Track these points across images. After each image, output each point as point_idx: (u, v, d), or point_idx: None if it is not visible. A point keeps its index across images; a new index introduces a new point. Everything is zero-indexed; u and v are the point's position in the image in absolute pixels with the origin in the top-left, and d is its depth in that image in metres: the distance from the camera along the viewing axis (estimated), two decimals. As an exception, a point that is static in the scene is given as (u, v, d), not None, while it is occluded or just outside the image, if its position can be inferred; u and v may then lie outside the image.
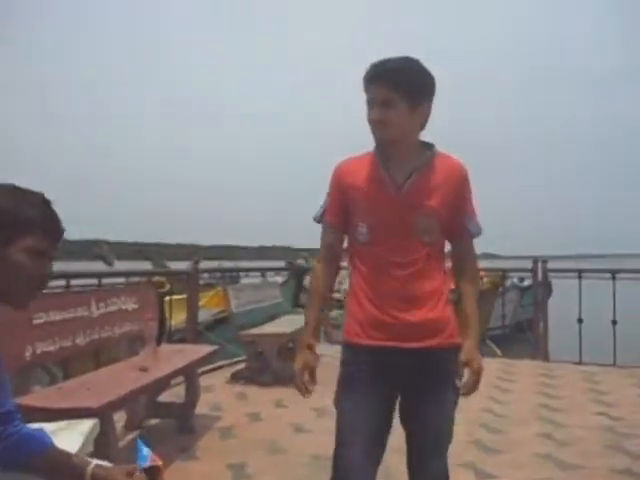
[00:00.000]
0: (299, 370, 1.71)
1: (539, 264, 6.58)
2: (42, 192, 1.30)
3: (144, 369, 3.11)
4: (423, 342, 1.64)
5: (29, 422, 2.26)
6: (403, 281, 1.64)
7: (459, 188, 1.71)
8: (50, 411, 2.29)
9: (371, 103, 1.63)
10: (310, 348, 1.74)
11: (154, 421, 3.77)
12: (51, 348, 2.79)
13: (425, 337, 1.65)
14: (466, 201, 1.73)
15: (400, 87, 1.58)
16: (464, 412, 4.08)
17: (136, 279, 5.12)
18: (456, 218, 1.71)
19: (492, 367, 5.87)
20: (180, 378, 3.78)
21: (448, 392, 1.69)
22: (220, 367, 5.59)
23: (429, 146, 1.73)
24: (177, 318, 6.29)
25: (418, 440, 1.71)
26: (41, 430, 1.44)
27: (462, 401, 4.02)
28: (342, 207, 1.74)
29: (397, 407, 1.75)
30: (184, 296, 6.13)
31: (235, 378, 5.15)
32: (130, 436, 3.57)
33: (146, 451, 1.50)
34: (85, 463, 1.37)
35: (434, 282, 1.67)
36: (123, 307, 3.53)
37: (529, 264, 6.79)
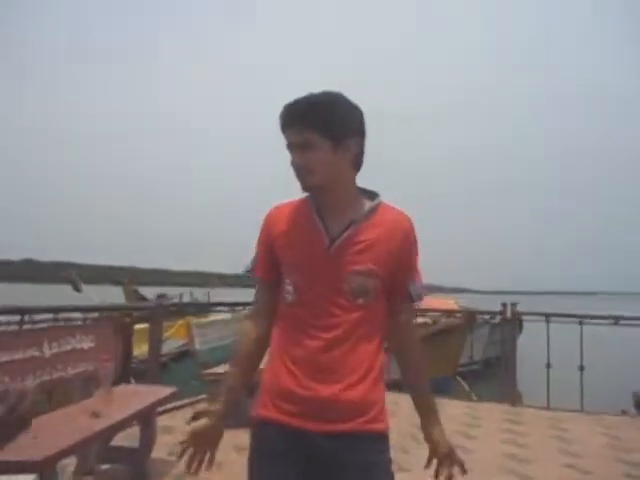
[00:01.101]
0: (185, 441, 1.48)
1: (508, 306, 6.59)
2: None
3: (96, 414, 2.95)
4: (335, 424, 1.41)
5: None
6: (322, 347, 1.42)
7: (403, 245, 1.49)
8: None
9: (290, 148, 1.46)
10: (211, 415, 1.49)
11: (106, 466, 3.58)
12: (-4, 391, 2.63)
13: (339, 419, 1.41)
14: (410, 260, 1.52)
15: (317, 126, 1.41)
16: (423, 462, 4.03)
17: (95, 314, 4.93)
18: (399, 278, 1.50)
19: (458, 411, 5.82)
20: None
21: None
22: (182, 407, 5.39)
23: (372, 195, 1.54)
24: (142, 348, 6.09)
25: None
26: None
27: (421, 449, 3.94)
28: (272, 260, 1.54)
29: None
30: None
31: (196, 419, 4.95)
32: (79, 483, 3.38)
33: None
34: None
35: (362, 353, 1.44)
36: (78, 346, 3.39)
37: (499, 299, 6.83)
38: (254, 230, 1.62)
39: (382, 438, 1.46)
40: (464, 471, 1.52)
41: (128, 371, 6.26)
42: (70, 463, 3.49)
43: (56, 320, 4.05)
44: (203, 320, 6.29)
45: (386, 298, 1.52)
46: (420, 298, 1.55)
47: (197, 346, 5.01)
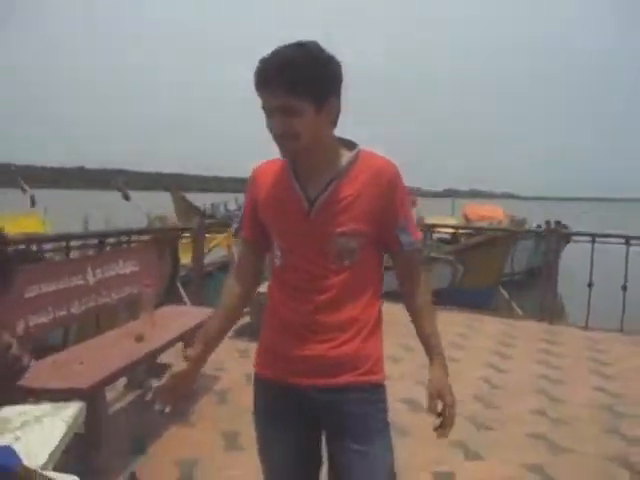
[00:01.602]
0: (161, 384, 1.50)
1: (552, 224, 6.45)
2: None
3: (140, 338, 3.13)
4: (329, 379, 1.42)
5: (22, 401, 2.30)
6: (312, 310, 1.41)
7: (387, 194, 1.40)
8: (40, 392, 2.32)
9: (269, 112, 1.34)
10: (187, 361, 1.50)
11: (154, 381, 3.82)
12: (44, 320, 2.81)
13: (337, 373, 1.42)
14: (397, 209, 1.43)
15: (300, 88, 1.28)
16: (462, 381, 4.13)
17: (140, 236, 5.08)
18: (387, 230, 1.43)
19: (495, 329, 5.89)
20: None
21: (375, 445, 1.42)
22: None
23: (349, 145, 1.44)
24: (189, 258, 6.37)
25: None
26: (10, 450, 1.44)
27: (461, 368, 4.07)
28: (257, 221, 1.51)
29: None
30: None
31: (239, 333, 5.20)
32: (132, 396, 3.66)
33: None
34: None
35: (353, 311, 1.42)
36: (121, 271, 3.52)
37: (548, 205, 6.69)
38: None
39: (378, 389, 1.46)
40: (440, 432, 1.45)
41: (175, 284, 6.61)
42: (121, 378, 3.78)
43: (101, 244, 4.23)
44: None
45: (378, 250, 1.48)
46: (412, 246, 1.47)
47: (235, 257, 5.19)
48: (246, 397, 3.60)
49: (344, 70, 1.36)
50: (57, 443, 1.87)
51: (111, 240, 4.40)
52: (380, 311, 1.50)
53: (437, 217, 17.22)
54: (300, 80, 1.28)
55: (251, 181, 1.52)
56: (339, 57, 1.36)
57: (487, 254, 8.55)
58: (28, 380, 2.43)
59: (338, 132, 1.45)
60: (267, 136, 1.38)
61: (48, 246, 4.00)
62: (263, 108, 1.35)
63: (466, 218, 21.19)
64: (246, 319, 5.44)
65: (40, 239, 4.36)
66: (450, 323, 6.10)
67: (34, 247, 4.09)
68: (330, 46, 1.35)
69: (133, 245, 4.46)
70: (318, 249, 1.40)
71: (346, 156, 1.41)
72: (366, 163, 1.41)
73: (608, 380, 4.28)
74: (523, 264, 13.29)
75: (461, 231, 12.47)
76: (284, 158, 1.41)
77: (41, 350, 2.91)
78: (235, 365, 4.39)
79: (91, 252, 4.49)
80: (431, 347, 1.50)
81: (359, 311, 1.44)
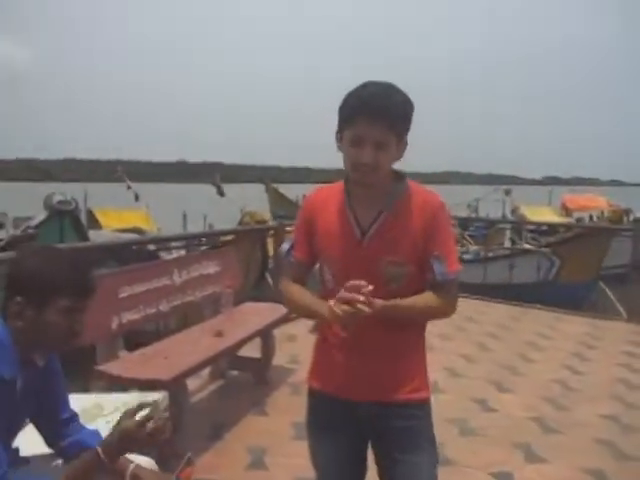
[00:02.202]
0: (331, 312, 1.40)
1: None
2: (73, 255, 1.51)
3: (220, 334, 3.43)
4: (380, 395, 1.54)
5: (112, 387, 2.64)
6: (367, 330, 1.47)
7: (430, 226, 1.49)
8: (129, 381, 2.67)
9: (361, 143, 1.42)
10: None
11: (234, 373, 4.16)
12: (136, 316, 3.18)
13: (389, 391, 1.54)
14: (435, 239, 1.50)
15: (397, 127, 1.43)
16: (534, 382, 4.13)
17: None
18: (426, 258, 1.50)
19: (577, 330, 5.73)
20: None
21: (419, 456, 1.54)
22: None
23: (399, 176, 1.54)
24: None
25: None
26: (96, 431, 1.73)
27: (534, 370, 4.13)
28: (310, 245, 1.60)
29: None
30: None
31: (317, 327, 5.45)
32: (214, 386, 4.01)
33: (180, 467, 1.68)
34: (124, 467, 1.64)
35: (401, 331, 1.53)
36: (205, 272, 3.86)
37: None
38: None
39: (424, 405, 1.58)
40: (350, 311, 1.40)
41: (265, 276, 6.99)
42: (205, 368, 4.14)
43: (187, 246, 4.63)
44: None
45: (423, 275, 1.52)
46: (445, 280, 1.50)
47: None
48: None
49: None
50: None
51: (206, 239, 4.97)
52: (424, 331, 1.61)
53: (533, 207, 16.62)
54: (399, 119, 1.43)
55: (308, 205, 1.62)
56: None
57: (586, 247, 8.21)
58: (120, 370, 2.80)
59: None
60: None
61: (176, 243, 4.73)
62: (353, 139, 1.43)
63: (565, 208, 20.18)
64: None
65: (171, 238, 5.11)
66: (531, 322, 6.02)
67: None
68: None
69: (219, 247, 4.83)
70: (368, 275, 1.45)
71: (396, 188, 1.52)
72: (414, 196, 1.52)
73: (694, 387, 4.10)
74: (627, 256, 12.50)
75: (558, 222, 12.01)
76: (355, 183, 1.50)
77: (135, 341, 3.28)
78: (310, 359, 4.64)
79: (190, 249, 5.02)
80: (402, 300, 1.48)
81: (407, 332, 1.55)
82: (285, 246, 1.67)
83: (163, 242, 5.05)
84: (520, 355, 4.83)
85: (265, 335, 3.96)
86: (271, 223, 6.80)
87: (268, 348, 3.99)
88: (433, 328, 5.59)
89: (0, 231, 11.07)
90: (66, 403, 1.69)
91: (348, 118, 1.44)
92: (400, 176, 1.54)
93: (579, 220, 16.92)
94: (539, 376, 4.32)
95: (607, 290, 7.57)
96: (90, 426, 1.78)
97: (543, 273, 8.95)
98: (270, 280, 6.84)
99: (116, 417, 2.21)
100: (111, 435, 1.45)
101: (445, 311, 1.57)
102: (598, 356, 4.85)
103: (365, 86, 1.44)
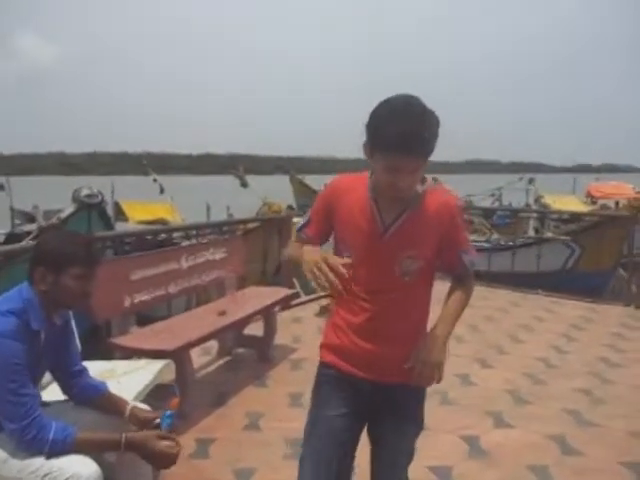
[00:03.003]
0: (316, 264, 1.51)
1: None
2: (84, 234, 1.91)
3: (222, 313, 3.82)
4: (383, 377, 1.68)
5: (125, 357, 3.06)
6: (374, 317, 1.64)
7: (450, 227, 1.64)
8: (138, 351, 3.07)
9: (396, 171, 1.49)
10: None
11: (240, 350, 4.55)
12: (146, 297, 3.58)
13: (387, 372, 1.68)
14: (459, 236, 1.68)
15: (428, 154, 1.51)
16: (516, 360, 4.43)
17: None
18: (451, 253, 1.67)
19: (572, 313, 5.96)
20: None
21: (410, 428, 1.75)
22: (316, 299, 6.29)
23: (422, 178, 1.64)
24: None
25: (379, 464, 1.75)
26: (102, 382, 2.13)
27: (520, 349, 4.52)
28: (326, 227, 1.72)
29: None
30: None
31: (323, 311, 5.81)
32: (221, 361, 4.41)
33: (169, 404, 2.04)
34: (124, 406, 2.03)
35: (411, 320, 1.68)
36: (211, 258, 4.25)
37: None
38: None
39: (422, 389, 1.76)
40: (431, 372, 1.67)
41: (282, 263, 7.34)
42: (214, 346, 4.54)
43: (197, 234, 5.03)
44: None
45: (432, 270, 1.69)
46: (474, 267, 1.72)
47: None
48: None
49: None
50: (142, 388, 2.58)
51: (225, 228, 5.47)
52: (428, 317, 1.75)
53: (556, 196, 16.61)
54: (433, 145, 1.50)
55: (332, 190, 1.71)
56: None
57: (606, 235, 8.29)
58: (131, 342, 3.21)
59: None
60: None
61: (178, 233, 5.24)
62: (387, 167, 1.50)
63: (590, 196, 20.04)
64: (328, 300, 6.05)
65: (175, 229, 5.60)
66: (529, 307, 6.27)
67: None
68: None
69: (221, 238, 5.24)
70: (385, 267, 1.61)
71: (417, 189, 1.61)
72: (433, 197, 1.63)
73: (673, 365, 4.33)
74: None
75: (579, 210, 12.02)
76: (384, 195, 1.59)
77: (147, 320, 3.69)
78: (313, 339, 4.97)
79: (212, 237, 5.48)
80: (446, 314, 1.72)
81: (412, 321, 1.69)
82: (300, 221, 1.79)
83: (169, 232, 5.57)
84: (510, 336, 5.11)
85: (267, 315, 4.34)
86: (283, 213, 7.13)
87: (270, 327, 4.36)
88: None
89: (32, 224, 11.67)
90: (78, 358, 2.10)
91: (382, 149, 1.48)
92: (422, 178, 1.63)
93: (604, 207, 16.82)
94: (524, 354, 4.61)
95: (623, 273, 7.62)
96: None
97: (563, 261, 9.05)
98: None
99: (125, 379, 2.63)
100: (140, 438, 1.86)
101: (470, 296, 1.77)
102: (586, 337, 5.10)
103: (397, 115, 1.45)
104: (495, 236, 10.99)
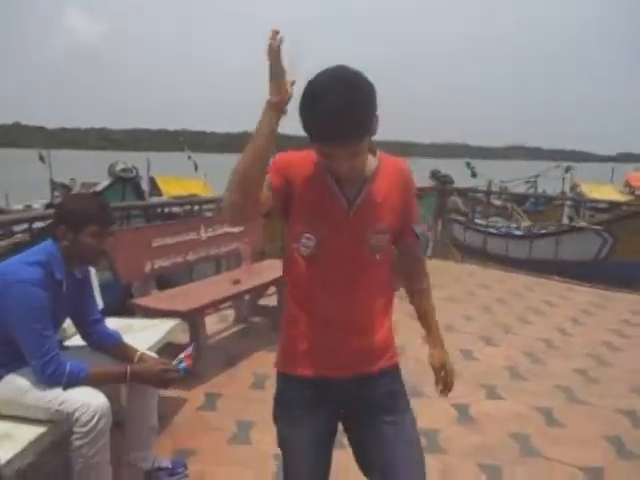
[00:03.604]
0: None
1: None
2: (100, 196, 2.17)
3: (236, 282, 4.07)
4: (363, 368, 1.53)
5: (146, 316, 3.33)
6: (351, 303, 1.49)
7: (407, 193, 1.55)
8: (156, 310, 3.35)
9: (332, 158, 1.36)
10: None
11: (256, 318, 4.82)
12: (166, 264, 3.87)
13: (372, 361, 1.55)
14: (412, 205, 1.58)
15: (366, 132, 1.33)
16: (521, 339, 4.57)
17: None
18: (405, 224, 1.56)
19: (585, 299, 6.04)
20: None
21: (405, 416, 1.57)
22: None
23: (372, 149, 1.51)
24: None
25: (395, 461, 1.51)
26: (116, 331, 2.40)
27: (526, 330, 4.73)
28: (285, 192, 1.44)
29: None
30: None
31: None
32: (236, 328, 4.68)
33: (183, 356, 2.32)
34: (134, 353, 2.30)
35: (381, 300, 1.55)
36: (229, 230, 4.50)
37: None
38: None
39: (398, 369, 1.63)
40: (444, 392, 1.69)
41: None
42: (230, 314, 4.82)
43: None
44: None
45: (395, 241, 1.57)
46: (424, 236, 1.65)
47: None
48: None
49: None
50: (154, 342, 2.85)
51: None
52: (393, 297, 1.65)
53: (593, 185, 16.40)
54: (365, 125, 1.31)
55: (284, 165, 1.46)
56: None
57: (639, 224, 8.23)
58: (150, 302, 3.50)
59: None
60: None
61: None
62: (324, 154, 1.36)
63: (629, 186, 19.67)
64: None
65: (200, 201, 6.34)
66: (542, 291, 6.36)
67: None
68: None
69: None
70: (355, 245, 1.46)
71: (371, 160, 1.49)
72: (388, 165, 1.53)
73: (675, 351, 4.41)
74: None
75: (610, 200, 11.86)
76: (335, 176, 1.44)
77: (166, 284, 3.98)
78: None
79: None
80: (433, 325, 1.68)
81: (384, 302, 1.57)
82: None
83: (187, 205, 6.07)
84: (519, 318, 5.25)
85: (279, 285, 4.58)
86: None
87: (282, 296, 4.60)
88: (441, 291, 6.17)
89: None
90: (96, 308, 2.38)
91: (310, 137, 1.32)
92: (372, 148, 1.50)
93: (640, 197, 16.53)
94: (529, 335, 4.75)
95: None
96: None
97: (596, 251, 9.02)
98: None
99: (140, 334, 2.91)
100: (141, 368, 2.18)
101: (428, 275, 1.72)
102: (593, 321, 5.20)
103: (318, 98, 1.26)
104: (525, 223, 10.96)
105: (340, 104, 1.25)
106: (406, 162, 1.61)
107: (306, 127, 1.31)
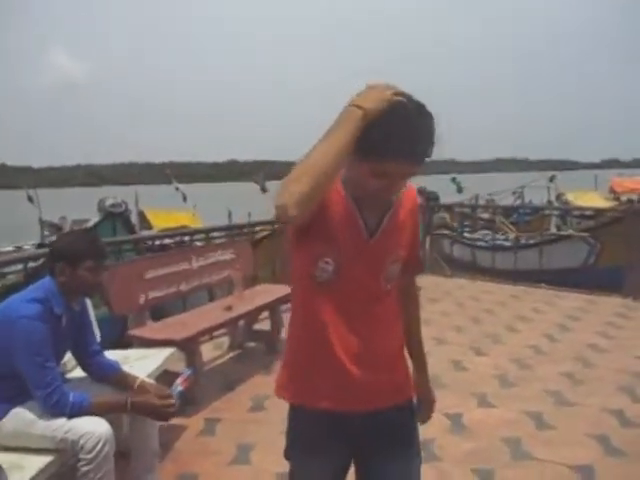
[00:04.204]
0: None
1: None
2: (93, 232, 2.30)
3: (229, 308, 4.18)
4: (378, 403, 1.48)
5: (142, 346, 3.42)
6: (363, 334, 1.43)
7: (416, 222, 1.54)
8: (151, 341, 3.45)
9: (389, 177, 1.31)
10: None
11: (251, 343, 4.91)
12: (160, 294, 3.98)
13: (393, 396, 1.51)
14: (418, 234, 1.57)
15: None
16: (509, 348, 4.69)
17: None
18: (413, 252, 1.56)
19: (571, 305, 6.18)
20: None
21: (415, 449, 1.56)
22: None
23: None
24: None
25: None
26: (116, 361, 2.51)
27: (514, 338, 4.82)
28: (315, 209, 1.32)
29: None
30: None
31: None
32: (232, 354, 4.77)
33: (179, 380, 2.42)
34: (133, 381, 2.40)
35: (395, 334, 1.53)
36: (221, 258, 4.63)
37: None
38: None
39: (412, 402, 1.61)
40: (432, 411, 1.74)
41: None
42: (225, 342, 4.92)
43: (208, 239, 5.44)
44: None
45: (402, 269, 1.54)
46: (423, 263, 1.86)
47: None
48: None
49: None
50: (151, 371, 2.94)
51: (246, 230, 6.32)
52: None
53: (578, 193, 16.67)
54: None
55: None
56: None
57: (624, 230, 8.32)
58: (146, 333, 3.60)
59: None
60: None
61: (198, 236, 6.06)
62: (378, 173, 1.30)
63: (613, 192, 19.97)
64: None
65: (190, 232, 6.47)
66: (529, 300, 6.50)
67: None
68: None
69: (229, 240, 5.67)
70: (373, 274, 1.43)
71: None
72: (407, 193, 1.50)
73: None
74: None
75: (595, 207, 12.04)
76: (374, 200, 1.41)
77: (160, 315, 4.08)
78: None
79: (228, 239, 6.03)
80: (421, 354, 1.70)
81: (399, 334, 1.55)
82: None
83: (178, 236, 6.27)
84: (507, 327, 5.37)
85: (272, 310, 4.69)
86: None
87: (275, 321, 4.72)
88: (434, 306, 6.31)
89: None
90: (94, 340, 2.49)
91: (390, 157, 1.26)
92: None
93: (628, 202, 16.79)
94: (517, 343, 4.87)
95: None
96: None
97: (583, 258, 9.15)
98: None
99: (137, 364, 3.01)
100: (141, 401, 2.25)
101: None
102: (579, 326, 5.33)
103: (412, 122, 1.25)
104: (512, 235, 11.06)
105: (432, 127, 1.28)
106: (415, 190, 1.58)
107: (386, 142, 1.24)
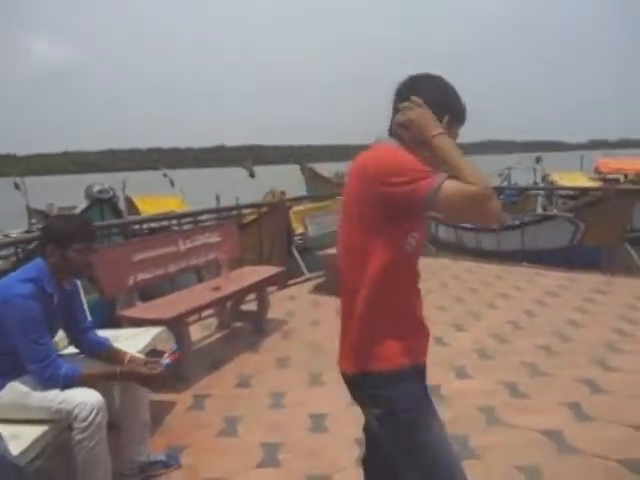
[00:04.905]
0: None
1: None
2: (83, 215, 2.39)
3: (216, 289, 4.30)
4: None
5: (131, 326, 3.54)
6: (419, 294, 1.69)
7: None
8: (141, 320, 3.56)
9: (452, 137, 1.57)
10: None
11: (238, 324, 5.04)
12: (148, 276, 4.08)
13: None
14: None
15: None
16: (489, 324, 4.85)
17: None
18: None
19: (550, 282, 6.34)
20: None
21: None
22: (307, 280, 6.78)
23: None
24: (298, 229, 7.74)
25: None
26: (106, 338, 2.62)
27: (494, 314, 4.96)
28: None
29: None
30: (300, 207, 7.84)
31: (317, 289, 6.29)
32: (220, 334, 4.90)
33: (167, 354, 2.55)
34: (124, 356, 2.52)
35: None
36: (207, 241, 4.73)
37: None
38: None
39: None
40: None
41: (292, 250, 7.68)
42: (213, 322, 5.04)
43: (195, 222, 5.53)
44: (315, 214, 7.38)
45: None
46: None
47: (309, 233, 6.26)
48: (306, 336, 4.67)
49: None
50: (141, 348, 3.05)
51: (234, 212, 6.48)
52: None
53: (562, 173, 16.83)
54: None
55: None
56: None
57: (609, 209, 8.44)
58: (135, 313, 3.71)
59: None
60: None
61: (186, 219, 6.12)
62: (457, 133, 1.63)
63: (598, 172, 20.13)
64: (322, 279, 6.53)
65: (177, 216, 6.54)
66: (511, 278, 6.66)
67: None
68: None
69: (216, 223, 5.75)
70: (424, 243, 1.64)
71: None
72: None
73: (631, 324, 4.71)
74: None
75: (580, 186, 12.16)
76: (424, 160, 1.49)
77: (149, 296, 4.19)
78: (305, 312, 5.47)
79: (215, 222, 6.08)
80: None
81: None
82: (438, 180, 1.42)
83: (163, 220, 6.42)
84: (488, 304, 5.53)
85: (259, 290, 4.81)
86: (276, 199, 7.56)
87: (262, 301, 4.85)
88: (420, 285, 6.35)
89: None
90: (86, 317, 2.60)
91: (462, 121, 1.63)
92: None
93: (609, 181, 16.94)
94: (497, 319, 5.03)
95: (631, 251, 7.75)
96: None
97: (568, 238, 9.29)
98: (299, 259, 7.55)
99: (127, 342, 3.12)
100: (129, 367, 2.41)
101: None
102: (558, 302, 5.50)
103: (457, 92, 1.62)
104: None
105: None
106: None
107: (461, 113, 1.63)
